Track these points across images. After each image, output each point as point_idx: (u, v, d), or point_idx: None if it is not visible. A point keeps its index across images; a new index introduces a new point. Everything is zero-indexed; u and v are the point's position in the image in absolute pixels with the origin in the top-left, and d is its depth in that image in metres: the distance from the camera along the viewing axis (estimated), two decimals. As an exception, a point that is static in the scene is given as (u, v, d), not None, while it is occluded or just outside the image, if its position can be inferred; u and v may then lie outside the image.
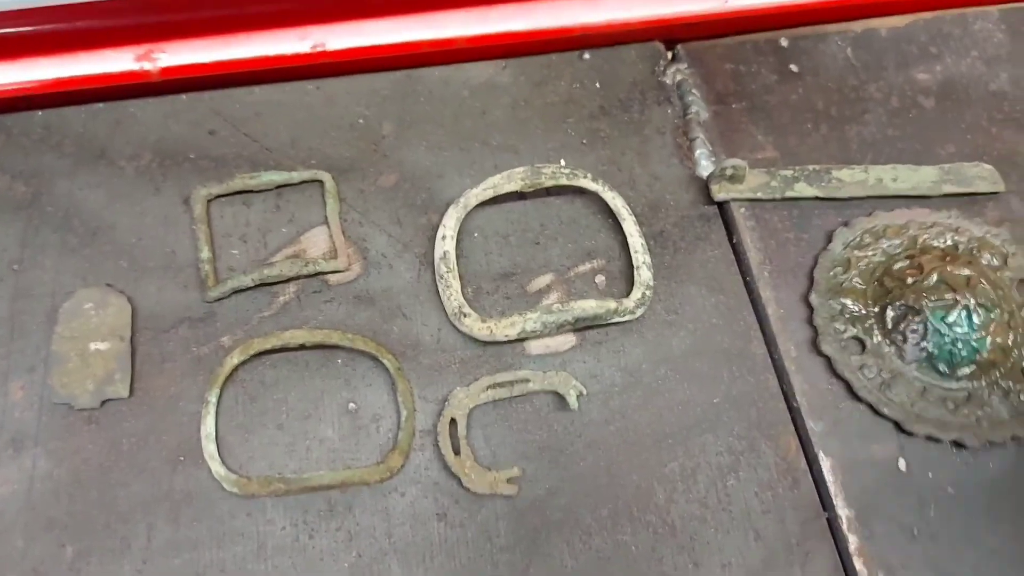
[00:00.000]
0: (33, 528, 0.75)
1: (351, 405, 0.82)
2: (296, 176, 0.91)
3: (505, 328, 0.83)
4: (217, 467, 0.77)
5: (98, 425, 0.80)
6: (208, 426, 0.79)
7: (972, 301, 0.83)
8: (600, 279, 0.89)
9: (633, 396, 0.83)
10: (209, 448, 0.78)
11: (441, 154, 0.95)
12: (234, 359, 0.81)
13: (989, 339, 0.83)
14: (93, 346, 0.82)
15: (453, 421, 0.81)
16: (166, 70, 0.93)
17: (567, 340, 0.86)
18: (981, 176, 0.95)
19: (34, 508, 0.76)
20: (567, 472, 0.80)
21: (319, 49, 0.96)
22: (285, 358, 0.84)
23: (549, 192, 0.93)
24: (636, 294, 0.85)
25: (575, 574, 0.76)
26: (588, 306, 0.83)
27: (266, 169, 0.92)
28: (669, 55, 1.04)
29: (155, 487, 0.77)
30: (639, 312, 0.85)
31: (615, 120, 0.98)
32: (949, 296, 0.83)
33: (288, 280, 0.87)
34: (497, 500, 0.78)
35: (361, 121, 0.96)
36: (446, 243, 0.87)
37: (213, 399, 0.80)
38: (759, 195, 0.92)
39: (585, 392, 0.82)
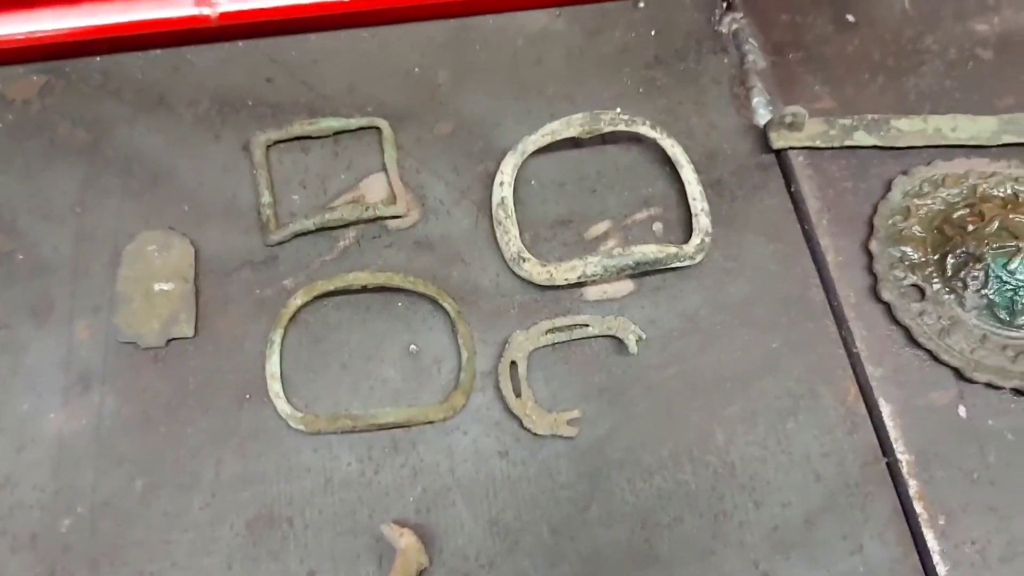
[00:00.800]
0: (103, 462, 0.77)
1: (412, 347, 0.83)
2: (354, 123, 0.92)
3: (565, 272, 0.84)
4: (283, 405, 0.79)
5: (164, 364, 0.81)
6: (273, 365, 0.80)
7: (1034, 248, 0.83)
8: (657, 227, 0.89)
9: (692, 341, 0.84)
10: (274, 387, 0.79)
11: (497, 103, 0.95)
12: (298, 300, 0.82)
13: (1051, 287, 0.83)
14: (157, 287, 0.83)
15: (513, 363, 0.81)
16: (224, 15, 0.94)
17: (625, 286, 0.86)
18: (1041, 127, 0.94)
19: (103, 443, 0.78)
20: (627, 413, 0.80)
21: (376, -6, 0.96)
22: (347, 301, 0.84)
23: (605, 140, 0.93)
24: (695, 240, 0.85)
25: (636, 511, 0.76)
26: (649, 250, 0.83)
27: (323, 116, 0.92)
28: (724, 4, 1.03)
29: (222, 424, 0.79)
30: (698, 258, 0.85)
31: (671, 69, 0.98)
32: (1011, 243, 0.83)
33: (348, 225, 0.87)
34: (558, 440, 0.79)
35: (417, 69, 0.97)
36: (504, 189, 0.87)
37: (277, 339, 0.81)
38: (817, 143, 0.91)
39: (644, 337, 0.83)
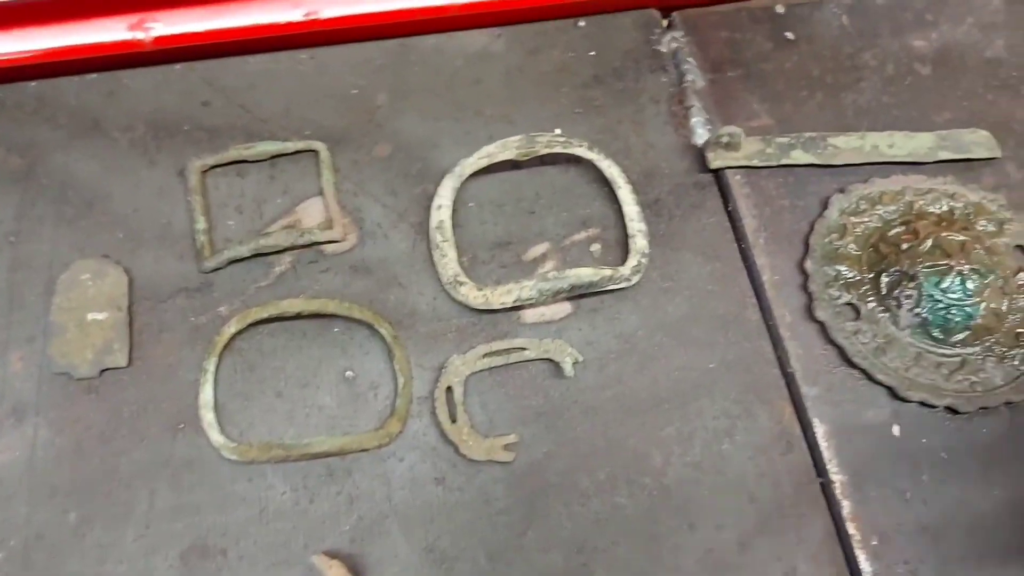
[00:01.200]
0: (36, 495, 0.76)
1: (348, 373, 0.82)
2: (291, 146, 0.91)
3: (501, 296, 0.83)
4: (215, 435, 0.78)
5: (98, 394, 0.80)
6: (206, 395, 0.79)
7: (966, 266, 0.83)
8: (596, 247, 0.89)
9: (629, 362, 0.84)
10: (207, 417, 0.79)
11: (435, 124, 0.95)
12: (231, 328, 0.81)
13: (983, 305, 0.83)
14: (91, 316, 0.83)
15: (450, 388, 0.81)
16: (159, 39, 0.93)
17: (562, 308, 0.86)
18: (977, 142, 0.95)
19: (37, 475, 0.77)
20: (564, 437, 0.80)
21: (312, 17, 0.96)
22: (282, 327, 0.84)
23: (544, 161, 0.92)
24: (632, 261, 0.85)
25: (573, 535, 0.76)
26: (584, 273, 0.83)
27: (260, 139, 0.92)
28: (664, 23, 1.03)
29: (156, 454, 0.78)
30: (635, 279, 0.85)
31: (610, 88, 0.98)
32: (943, 262, 0.83)
33: (284, 250, 0.87)
34: (495, 465, 0.79)
35: (355, 91, 0.96)
36: (442, 212, 0.87)
37: (211, 368, 0.80)
38: (755, 162, 0.92)
39: (581, 359, 0.83)
